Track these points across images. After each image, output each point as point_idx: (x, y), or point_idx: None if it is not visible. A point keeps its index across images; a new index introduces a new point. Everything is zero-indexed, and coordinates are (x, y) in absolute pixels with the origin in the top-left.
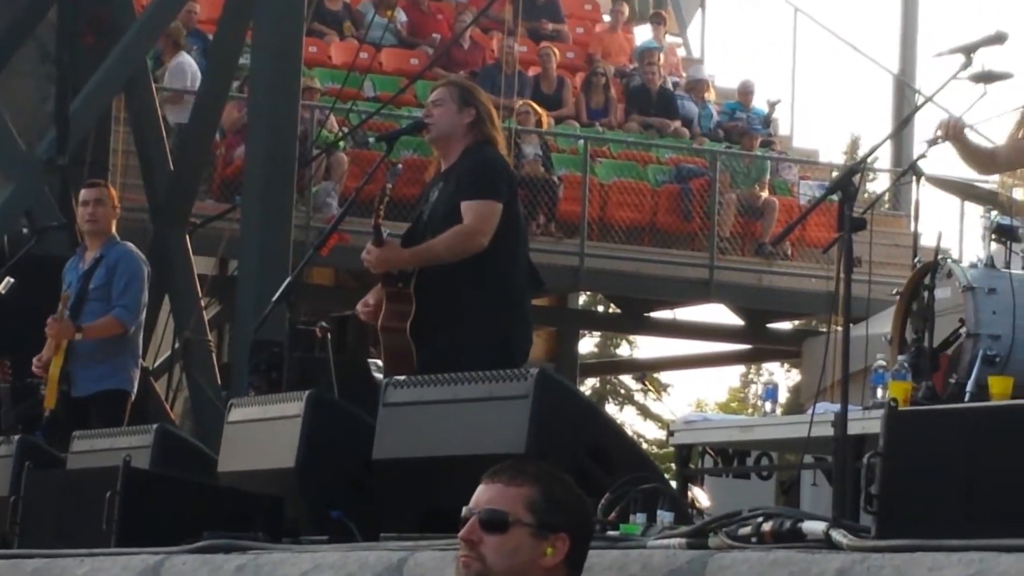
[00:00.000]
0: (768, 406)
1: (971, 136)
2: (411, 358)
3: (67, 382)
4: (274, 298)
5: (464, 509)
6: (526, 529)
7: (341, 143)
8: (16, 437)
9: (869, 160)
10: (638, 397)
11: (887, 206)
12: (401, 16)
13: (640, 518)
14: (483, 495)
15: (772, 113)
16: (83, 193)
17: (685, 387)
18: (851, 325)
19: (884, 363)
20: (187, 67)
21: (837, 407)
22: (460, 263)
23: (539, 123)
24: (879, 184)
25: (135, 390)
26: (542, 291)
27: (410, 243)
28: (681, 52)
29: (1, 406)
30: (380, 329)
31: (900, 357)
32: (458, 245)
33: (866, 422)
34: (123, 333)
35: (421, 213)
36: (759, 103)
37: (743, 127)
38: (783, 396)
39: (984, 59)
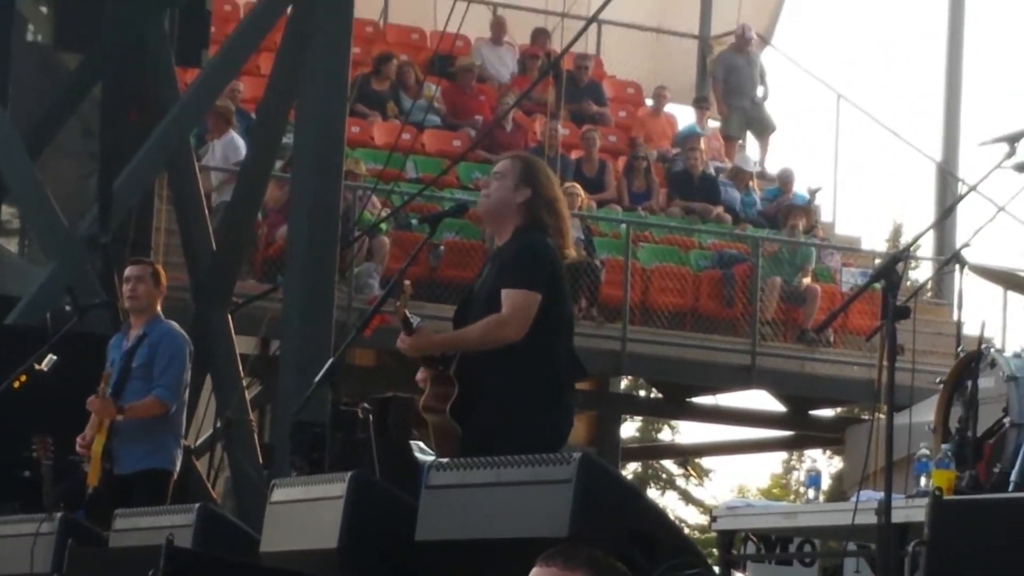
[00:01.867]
0: (811, 493)
1: None
2: (457, 438)
3: (110, 460)
4: (316, 379)
5: None
6: None
7: (383, 225)
8: (58, 515)
9: (912, 248)
10: (680, 482)
11: (930, 294)
12: (433, 91)
13: None
14: None
15: (813, 200)
16: (127, 270)
17: (727, 472)
18: (894, 413)
19: (928, 452)
20: (239, 144)
21: (880, 495)
22: (500, 351)
23: (581, 207)
24: (922, 272)
25: (177, 469)
26: (585, 379)
27: (461, 317)
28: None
29: (43, 484)
30: (423, 408)
31: (944, 446)
32: (490, 335)
33: (910, 510)
34: (164, 413)
35: (473, 288)
36: (800, 188)
37: (786, 205)
38: (826, 483)
39: None
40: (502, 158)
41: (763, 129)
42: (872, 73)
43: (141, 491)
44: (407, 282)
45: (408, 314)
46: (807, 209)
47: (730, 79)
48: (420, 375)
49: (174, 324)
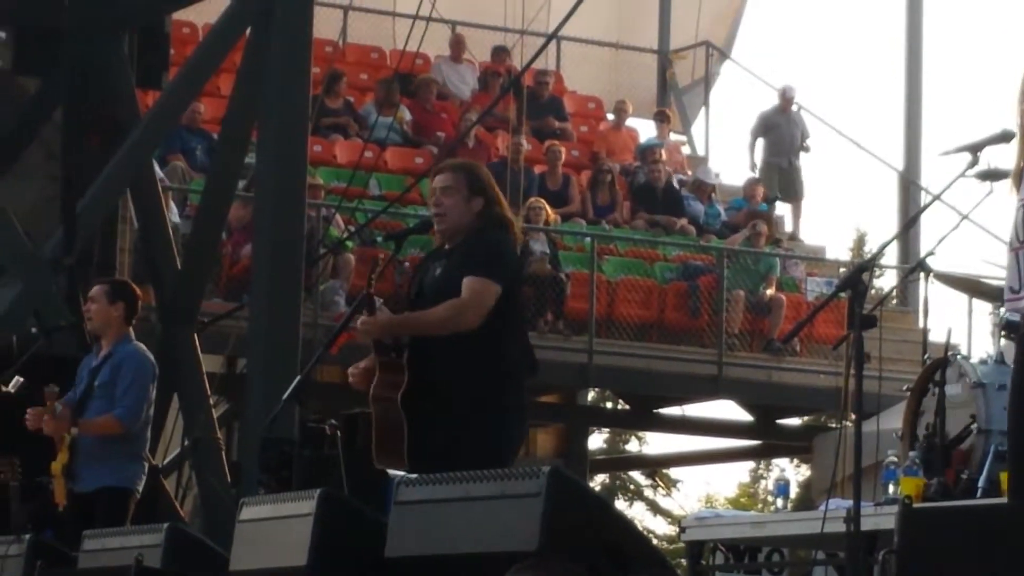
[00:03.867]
0: (779, 502)
1: None
2: (402, 430)
3: (71, 478)
4: (284, 396)
5: None
6: None
7: (348, 242)
8: (27, 536)
9: (877, 257)
10: (648, 493)
11: (895, 302)
12: (406, 115)
13: None
14: None
15: (773, 210)
16: (91, 293)
17: (695, 483)
18: (862, 421)
19: (895, 459)
20: None
21: (849, 503)
22: (454, 338)
23: (546, 221)
24: (887, 280)
25: (140, 488)
26: (536, 374)
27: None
28: (686, 150)
29: (11, 505)
30: (371, 399)
31: (912, 453)
32: (450, 319)
33: (879, 518)
34: (122, 433)
35: (421, 286)
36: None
37: (751, 212)
38: (794, 492)
39: (990, 157)
40: (442, 170)
41: (794, 193)
42: (833, 84)
43: (100, 510)
44: (380, 256)
45: (375, 297)
46: (769, 216)
47: (770, 136)
48: (352, 368)
49: (140, 346)
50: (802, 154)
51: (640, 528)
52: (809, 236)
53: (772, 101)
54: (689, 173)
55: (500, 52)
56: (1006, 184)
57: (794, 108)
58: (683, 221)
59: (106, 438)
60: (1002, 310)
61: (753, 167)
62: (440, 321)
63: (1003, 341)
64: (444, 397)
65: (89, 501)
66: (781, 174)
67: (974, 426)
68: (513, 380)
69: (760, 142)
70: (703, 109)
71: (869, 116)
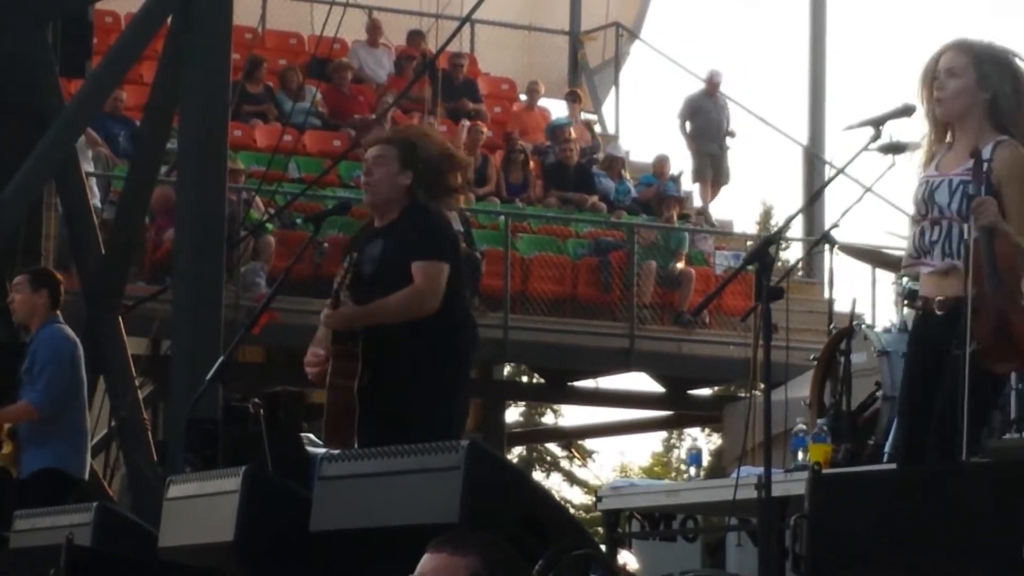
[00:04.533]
0: (692, 471)
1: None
2: (353, 414)
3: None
4: (208, 377)
5: None
6: None
7: (268, 224)
8: None
9: (783, 230)
10: (564, 464)
11: (801, 274)
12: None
13: None
14: (428, 564)
15: (679, 186)
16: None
17: (609, 453)
18: (771, 390)
19: (804, 426)
20: None
21: (760, 470)
22: (407, 323)
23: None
24: (793, 253)
25: (77, 471)
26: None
27: (356, 298)
28: (597, 128)
29: None
30: (327, 386)
31: (819, 420)
32: (412, 306)
33: (789, 484)
34: (38, 418)
35: (361, 268)
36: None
37: (660, 192)
38: (706, 460)
39: (892, 131)
40: (377, 142)
41: (719, 178)
42: (739, 61)
43: (34, 491)
44: (325, 244)
45: (342, 291)
46: (681, 199)
47: (697, 120)
48: (311, 355)
49: (59, 327)
50: (727, 139)
51: (557, 498)
52: (717, 211)
53: (682, 80)
54: (601, 153)
55: (415, 36)
56: (908, 157)
57: (720, 93)
58: (594, 198)
59: (33, 423)
60: (904, 279)
61: (690, 146)
62: (400, 310)
63: (906, 310)
64: (402, 377)
65: (26, 484)
66: (712, 160)
67: (879, 393)
68: (465, 354)
69: (687, 125)
70: (613, 88)
71: (774, 92)
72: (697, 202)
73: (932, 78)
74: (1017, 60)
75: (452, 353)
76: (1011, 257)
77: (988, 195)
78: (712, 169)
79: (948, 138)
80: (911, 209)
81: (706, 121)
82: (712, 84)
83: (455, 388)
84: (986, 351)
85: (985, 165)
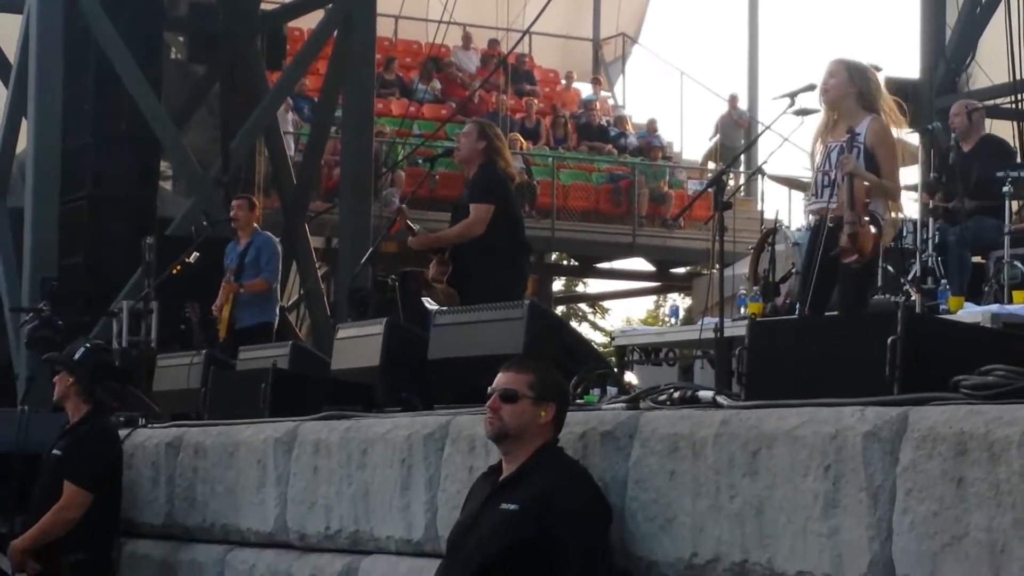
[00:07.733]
0: (673, 321)
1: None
2: (455, 297)
3: (234, 319)
4: (362, 261)
5: (489, 388)
6: (528, 400)
7: (400, 163)
8: (203, 351)
9: (732, 166)
10: (590, 317)
11: (743, 194)
12: (436, 84)
13: (596, 392)
14: (501, 379)
15: (662, 139)
16: (233, 202)
17: (619, 310)
18: (724, 269)
19: (744, 292)
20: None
21: (716, 320)
22: (474, 241)
23: (521, 147)
24: (738, 180)
25: (276, 321)
26: (531, 253)
27: (454, 219)
28: (611, 102)
29: (193, 333)
30: (432, 279)
31: (755, 288)
32: (464, 234)
33: (735, 328)
34: (268, 289)
35: (458, 202)
36: (660, 132)
37: (651, 143)
38: (682, 314)
39: (802, 100)
40: (467, 123)
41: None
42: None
43: (256, 336)
44: (404, 206)
45: (411, 224)
46: (663, 147)
47: (726, 133)
48: (432, 266)
49: (270, 234)
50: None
51: (587, 338)
52: (689, 153)
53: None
54: (612, 116)
55: (493, 43)
56: (812, 118)
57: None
58: (609, 146)
59: (256, 292)
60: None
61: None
62: (457, 236)
63: (811, 217)
64: (474, 278)
65: (247, 332)
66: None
67: (794, 271)
68: (519, 253)
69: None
70: (621, 76)
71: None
72: (676, 148)
73: (823, 80)
74: (870, 70)
75: (503, 259)
76: (862, 193)
77: (855, 155)
78: (725, 157)
79: (835, 116)
80: (814, 160)
81: (732, 139)
82: (733, 107)
83: (508, 280)
84: (843, 250)
85: (858, 136)
